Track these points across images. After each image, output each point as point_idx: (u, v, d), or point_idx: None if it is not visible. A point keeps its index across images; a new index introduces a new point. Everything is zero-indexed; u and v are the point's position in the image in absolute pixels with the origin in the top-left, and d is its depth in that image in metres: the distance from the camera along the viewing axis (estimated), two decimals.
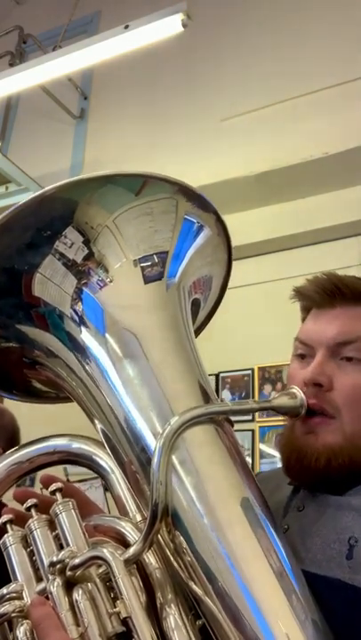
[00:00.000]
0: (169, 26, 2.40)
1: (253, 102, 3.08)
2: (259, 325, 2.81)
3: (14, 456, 0.78)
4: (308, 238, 2.96)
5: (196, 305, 0.84)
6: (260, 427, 2.81)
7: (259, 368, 2.95)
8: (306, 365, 0.79)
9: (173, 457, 0.64)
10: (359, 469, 0.74)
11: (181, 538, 0.62)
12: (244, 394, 2.96)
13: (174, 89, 3.39)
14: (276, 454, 2.75)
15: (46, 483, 0.71)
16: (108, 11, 3.86)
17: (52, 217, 0.72)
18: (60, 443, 0.79)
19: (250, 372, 2.97)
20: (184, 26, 2.36)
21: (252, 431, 2.82)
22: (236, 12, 3.37)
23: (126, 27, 2.44)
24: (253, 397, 2.91)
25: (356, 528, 0.69)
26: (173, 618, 0.60)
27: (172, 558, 0.64)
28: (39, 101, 3.60)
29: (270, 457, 2.77)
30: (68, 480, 2.69)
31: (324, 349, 0.77)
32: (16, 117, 4.01)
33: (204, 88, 3.29)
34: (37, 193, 0.69)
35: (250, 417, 2.79)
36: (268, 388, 2.92)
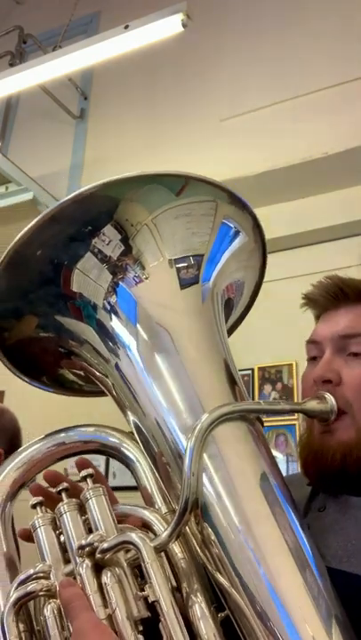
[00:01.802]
0: (169, 26, 2.40)
1: (253, 102, 3.08)
2: (259, 325, 2.80)
3: (59, 435, 0.79)
4: (308, 238, 2.96)
5: (228, 306, 0.85)
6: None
7: (259, 368, 2.95)
8: (316, 367, 0.81)
9: (205, 451, 0.65)
10: None
11: (210, 530, 0.63)
12: None
13: (174, 89, 3.40)
14: (277, 454, 2.75)
15: (80, 466, 0.73)
16: (107, 11, 3.86)
17: (96, 212, 0.74)
18: (91, 432, 0.80)
19: (250, 372, 2.97)
20: (184, 26, 2.36)
21: None
22: (236, 13, 3.38)
23: (126, 27, 2.44)
24: (253, 398, 2.91)
25: None
26: (200, 607, 0.61)
27: (198, 550, 0.65)
28: (39, 101, 3.60)
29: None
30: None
31: (331, 345, 0.80)
32: (16, 117, 4.01)
33: (203, 88, 3.29)
34: (84, 188, 0.71)
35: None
36: (268, 388, 2.92)
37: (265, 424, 2.64)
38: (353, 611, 0.62)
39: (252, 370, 2.97)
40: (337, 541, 0.72)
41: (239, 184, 2.90)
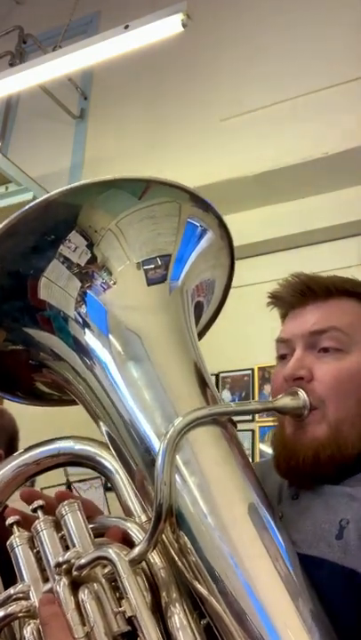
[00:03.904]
0: (169, 26, 2.40)
1: (253, 102, 3.08)
2: (259, 325, 2.79)
3: (21, 458, 0.79)
4: (308, 238, 2.96)
5: (199, 308, 0.84)
6: (260, 427, 2.81)
7: (259, 368, 2.95)
8: (286, 365, 0.80)
9: (178, 457, 0.65)
10: (351, 460, 0.75)
11: (186, 538, 0.63)
12: (244, 394, 2.96)
13: (174, 89, 3.40)
14: None
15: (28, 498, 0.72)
16: (108, 11, 3.86)
17: (57, 221, 0.73)
18: (64, 445, 0.80)
19: (250, 372, 2.97)
20: (184, 26, 2.36)
21: (252, 431, 2.82)
22: (236, 13, 3.37)
23: (126, 27, 2.44)
24: (254, 397, 2.91)
25: (348, 512, 0.70)
26: (178, 617, 0.61)
27: (176, 558, 0.65)
28: (39, 101, 3.60)
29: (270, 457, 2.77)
30: (68, 480, 2.68)
31: (301, 342, 0.79)
32: (16, 117, 4.01)
33: (203, 88, 3.29)
34: (42, 198, 0.70)
35: (250, 417, 2.79)
36: (268, 388, 2.92)
37: (265, 424, 2.63)
38: (325, 595, 0.62)
39: (252, 370, 2.97)
40: (307, 526, 0.72)
41: (239, 184, 2.90)
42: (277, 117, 2.98)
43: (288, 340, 0.82)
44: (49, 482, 1.95)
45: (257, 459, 2.80)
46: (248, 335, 2.85)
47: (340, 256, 2.80)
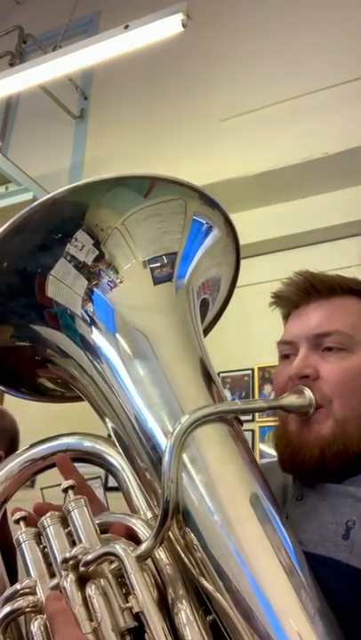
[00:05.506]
0: (169, 26, 2.40)
1: (253, 102, 3.08)
2: (259, 325, 2.80)
3: (28, 453, 0.79)
4: (308, 238, 2.96)
5: (204, 305, 0.85)
6: (260, 427, 2.81)
7: (259, 368, 2.95)
8: (290, 364, 0.80)
9: (184, 455, 0.65)
10: (355, 458, 0.76)
11: (192, 535, 0.63)
12: (244, 394, 2.96)
13: (174, 89, 3.40)
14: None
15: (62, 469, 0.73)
16: (108, 11, 3.86)
17: (63, 219, 0.73)
18: (72, 441, 0.80)
19: (250, 372, 2.97)
20: (184, 26, 2.36)
21: (253, 431, 2.82)
22: (236, 13, 3.37)
23: (126, 27, 2.44)
24: (254, 397, 2.91)
25: (354, 513, 0.71)
26: (185, 613, 0.61)
27: (182, 555, 0.65)
28: (39, 101, 3.60)
29: (270, 457, 2.77)
30: None
31: (306, 343, 0.79)
32: (16, 117, 4.01)
33: (203, 88, 3.29)
34: (48, 196, 0.70)
35: (250, 417, 2.79)
36: (268, 388, 2.92)
37: (265, 424, 2.63)
38: (329, 593, 0.63)
39: (252, 370, 2.97)
40: (313, 526, 0.72)
41: (239, 184, 2.90)
42: (277, 117, 2.98)
43: (292, 342, 0.82)
44: (49, 482, 1.95)
45: (257, 459, 2.80)
46: (248, 335, 2.85)
47: (341, 256, 2.80)
